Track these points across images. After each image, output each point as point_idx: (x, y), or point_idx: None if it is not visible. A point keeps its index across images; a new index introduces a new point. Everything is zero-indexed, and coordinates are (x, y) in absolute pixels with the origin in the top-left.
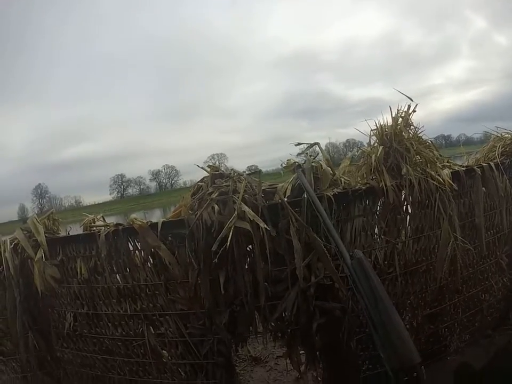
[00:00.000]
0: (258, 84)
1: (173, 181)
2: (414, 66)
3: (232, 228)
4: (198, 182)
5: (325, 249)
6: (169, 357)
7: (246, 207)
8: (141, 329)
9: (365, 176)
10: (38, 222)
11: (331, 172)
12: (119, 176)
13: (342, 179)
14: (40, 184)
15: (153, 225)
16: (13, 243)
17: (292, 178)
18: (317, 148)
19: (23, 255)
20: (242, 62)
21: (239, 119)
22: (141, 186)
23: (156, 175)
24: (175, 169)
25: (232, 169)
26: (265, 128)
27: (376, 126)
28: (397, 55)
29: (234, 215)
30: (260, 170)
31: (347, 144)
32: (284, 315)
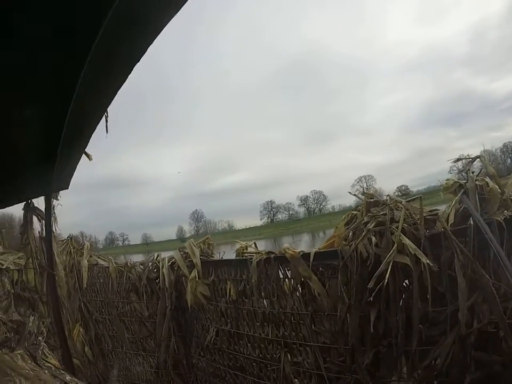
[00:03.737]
0: (391, 95)
1: (321, 206)
2: None
3: (391, 263)
4: (352, 210)
5: (493, 288)
6: None
7: (406, 239)
8: (278, 354)
9: None
10: (195, 246)
11: (499, 190)
12: (269, 203)
13: None
14: (196, 209)
15: (305, 255)
16: (171, 261)
17: (453, 201)
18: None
19: (179, 273)
20: (369, 75)
21: (379, 136)
22: (290, 212)
23: (304, 200)
24: (323, 194)
25: (388, 196)
26: (408, 142)
27: None
28: None
29: (393, 248)
30: (421, 197)
31: (505, 149)
32: (434, 363)
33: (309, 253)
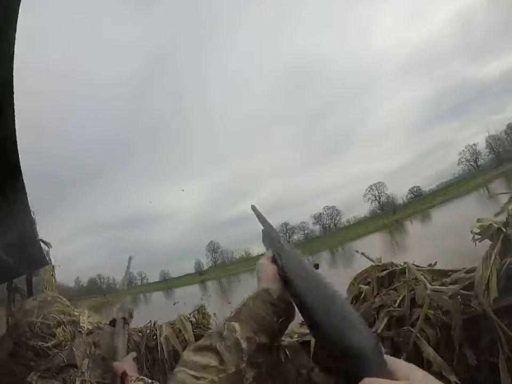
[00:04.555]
0: (392, 100)
1: (335, 221)
2: None
3: None
4: (360, 282)
5: None
6: None
7: (430, 349)
8: None
9: None
10: (186, 319)
11: None
12: (283, 225)
13: None
14: (212, 241)
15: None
16: (167, 332)
17: (492, 257)
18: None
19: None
20: (368, 83)
21: (386, 142)
22: (305, 231)
23: (317, 218)
24: (336, 209)
25: (406, 264)
26: (415, 142)
27: None
28: None
29: None
30: None
31: (509, 131)
32: None
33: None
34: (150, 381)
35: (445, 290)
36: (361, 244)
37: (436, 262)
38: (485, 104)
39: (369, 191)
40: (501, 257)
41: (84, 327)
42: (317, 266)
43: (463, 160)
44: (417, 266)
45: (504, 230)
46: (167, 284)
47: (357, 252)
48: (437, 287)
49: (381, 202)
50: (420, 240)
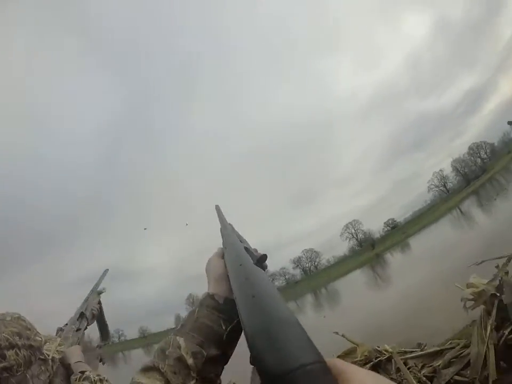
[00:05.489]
0: (360, 139)
1: (315, 263)
2: (478, 34)
3: None
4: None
5: None
6: None
7: None
8: None
9: None
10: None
11: None
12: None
13: None
14: (190, 293)
15: None
16: None
17: (488, 328)
18: None
19: None
20: (335, 128)
21: (357, 181)
22: (286, 276)
23: (297, 262)
24: (315, 251)
25: (390, 350)
26: (386, 177)
27: None
28: (457, 35)
29: None
30: None
31: (471, 151)
32: None
33: None
34: (97, 377)
35: None
36: (344, 282)
37: (426, 343)
38: (445, 132)
39: (345, 230)
40: (497, 329)
41: (49, 355)
42: (264, 257)
43: (433, 186)
44: (405, 351)
45: (498, 295)
46: (147, 340)
47: (337, 333)
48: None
49: (359, 239)
50: (402, 271)
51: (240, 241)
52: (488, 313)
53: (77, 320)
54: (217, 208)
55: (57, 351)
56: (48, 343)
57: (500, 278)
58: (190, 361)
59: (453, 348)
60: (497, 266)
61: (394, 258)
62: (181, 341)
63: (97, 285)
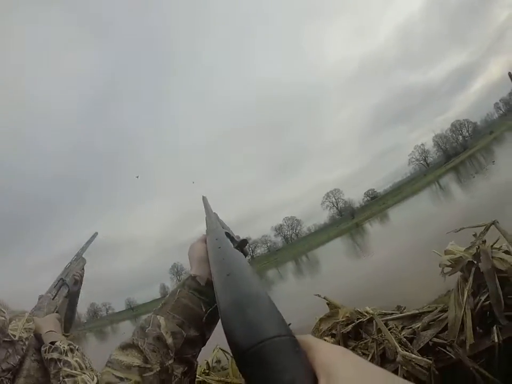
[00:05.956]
0: (343, 111)
1: (296, 231)
2: (474, 14)
3: None
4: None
5: None
6: None
7: None
8: None
9: None
10: None
11: None
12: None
13: None
14: (175, 263)
15: None
16: None
17: (465, 294)
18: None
19: None
20: (320, 98)
21: (339, 151)
22: (268, 244)
23: (279, 229)
24: (296, 219)
25: (369, 311)
26: (368, 148)
27: None
28: (453, 12)
29: None
30: None
31: (453, 128)
32: None
33: None
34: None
35: (417, 358)
36: (324, 250)
37: (405, 307)
38: (429, 107)
39: (326, 199)
40: (474, 295)
41: (15, 336)
42: (244, 242)
43: (413, 160)
44: (385, 313)
45: (475, 262)
46: (134, 312)
47: (319, 295)
48: (408, 354)
49: (339, 208)
50: (381, 240)
51: (223, 227)
52: (465, 279)
53: (54, 287)
54: (204, 199)
55: (25, 329)
56: (14, 321)
57: (477, 246)
58: (169, 340)
59: (431, 311)
60: (475, 235)
61: (374, 228)
62: (161, 320)
63: (83, 249)
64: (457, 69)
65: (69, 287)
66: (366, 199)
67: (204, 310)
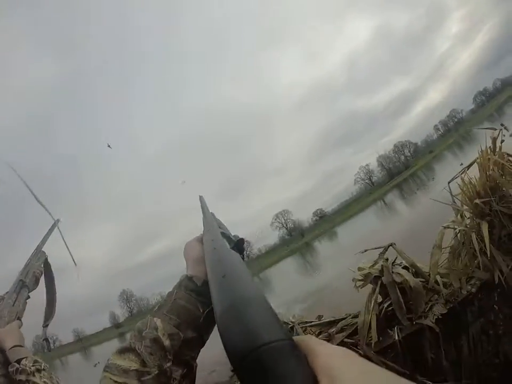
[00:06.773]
0: (290, 134)
1: (247, 252)
2: (416, 45)
3: None
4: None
5: None
6: None
7: None
8: None
9: (468, 265)
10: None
11: (422, 279)
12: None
13: (439, 282)
14: (124, 290)
15: None
16: None
17: (372, 303)
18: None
19: None
20: (271, 121)
21: (287, 173)
22: None
23: None
24: (246, 241)
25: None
26: (316, 170)
27: (461, 186)
28: (397, 43)
29: None
30: None
31: (396, 149)
32: None
33: None
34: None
35: None
36: (275, 270)
37: (323, 315)
38: (373, 130)
39: (275, 219)
40: (380, 303)
41: None
42: (240, 242)
43: (359, 179)
44: (306, 321)
45: (380, 276)
46: (84, 343)
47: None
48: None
49: (289, 228)
50: (329, 257)
51: (220, 227)
52: (374, 291)
53: (14, 291)
54: (201, 199)
55: None
56: None
57: (381, 263)
58: (166, 342)
59: (345, 318)
60: (380, 253)
61: (323, 246)
62: (158, 322)
63: (43, 241)
64: (400, 94)
65: (29, 288)
66: (314, 218)
67: (201, 310)
